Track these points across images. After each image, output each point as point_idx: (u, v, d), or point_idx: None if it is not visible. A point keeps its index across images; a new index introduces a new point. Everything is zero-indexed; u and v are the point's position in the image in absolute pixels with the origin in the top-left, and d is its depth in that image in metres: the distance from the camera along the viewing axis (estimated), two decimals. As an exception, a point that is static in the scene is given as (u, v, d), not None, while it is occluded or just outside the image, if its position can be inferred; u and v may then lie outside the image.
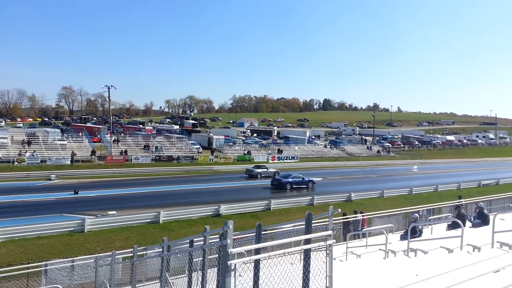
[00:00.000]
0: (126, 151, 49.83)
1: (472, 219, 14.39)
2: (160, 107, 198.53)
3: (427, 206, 21.21)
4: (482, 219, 13.02)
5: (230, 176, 43.52)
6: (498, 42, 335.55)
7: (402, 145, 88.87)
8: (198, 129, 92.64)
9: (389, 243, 13.39)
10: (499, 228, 9.91)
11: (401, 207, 22.47)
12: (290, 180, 36.95)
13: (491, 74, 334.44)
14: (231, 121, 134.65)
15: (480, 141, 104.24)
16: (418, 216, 14.93)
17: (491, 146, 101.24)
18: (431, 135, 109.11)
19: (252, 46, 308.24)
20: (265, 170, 44.92)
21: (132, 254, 10.41)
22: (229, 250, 4.32)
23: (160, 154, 52.22)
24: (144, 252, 11.76)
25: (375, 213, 19.75)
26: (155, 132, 72.00)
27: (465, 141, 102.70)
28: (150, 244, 16.71)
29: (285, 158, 61.38)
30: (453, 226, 12.97)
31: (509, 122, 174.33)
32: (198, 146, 59.49)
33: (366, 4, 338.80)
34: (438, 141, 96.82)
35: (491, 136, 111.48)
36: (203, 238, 6.05)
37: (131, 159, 48.44)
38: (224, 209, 25.47)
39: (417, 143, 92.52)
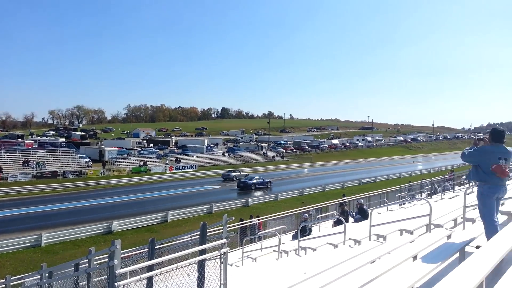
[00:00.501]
0: (1, 169, 43.94)
1: (354, 215, 15.83)
2: (43, 119, 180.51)
3: (316, 206, 22.77)
4: (362, 214, 14.40)
5: (122, 190, 41.21)
6: (372, 59, 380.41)
7: (294, 150, 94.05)
8: (87, 141, 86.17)
9: (283, 243, 13.99)
10: (375, 221, 11.05)
11: (293, 208, 23.76)
12: (254, 181, 42.24)
13: (369, 86, 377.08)
14: (125, 132, 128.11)
15: (360, 144, 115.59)
16: (307, 215, 15.94)
17: (369, 148, 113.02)
18: (319, 139, 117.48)
19: (147, 53, 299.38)
20: (239, 173, 50.25)
21: (4, 286, 9.13)
22: (116, 271, 4.08)
23: (43, 170, 47.19)
24: (21, 281, 10.44)
25: (270, 216, 20.54)
26: (37, 146, 64.74)
27: (347, 144, 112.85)
28: (30, 271, 14.88)
29: (183, 167, 60.37)
30: (338, 222, 14.09)
31: (383, 126, 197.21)
32: (87, 160, 55.23)
33: (260, 16, 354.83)
34: (325, 145, 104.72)
35: (369, 139, 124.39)
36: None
37: (7, 177, 42.94)
38: (116, 225, 23.95)
39: (307, 147, 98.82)
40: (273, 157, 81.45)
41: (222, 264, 6.10)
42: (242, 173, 50.46)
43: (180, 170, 58.57)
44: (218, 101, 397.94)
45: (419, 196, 21.68)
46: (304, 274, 6.15)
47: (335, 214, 18.00)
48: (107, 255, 4.53)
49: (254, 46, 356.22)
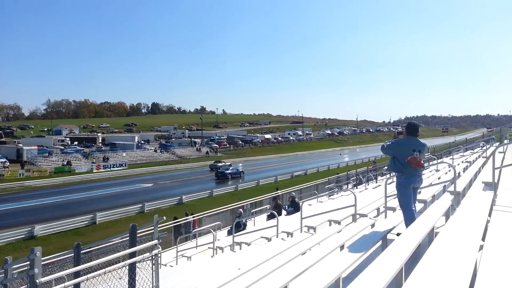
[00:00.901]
0: None
1: (286, 208, 16.25)
2: None
3: (250, 200, 23.02)
4: (294, 207, 14.81)
5: (45, 192, 38.37)
6: (301, 55, 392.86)
7: (228, 145, 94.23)
8: (3, 139, 78.78)
9: (218, 240, 13.96)
10: (306, 213, 11.44)
11: (228, 203, 23.79)
12: (230, 171, 48.47)
13: (298, 81, 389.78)
14: (46, 129, 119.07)
15: (291, 138, 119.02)
16: (242, 211, 16.07)
17: (300, 141, 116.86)
18: (252, 134, 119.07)
19: (69, 43, 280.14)
20: (223, 164, 55.25)
21: None
22: (37, 281, 3.78)
23: None
24: None
25: (205, 213, 20.38)
26: None
27: (280, 138, 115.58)
28: None
29: (112, 166, 57.66)
30: (272, 216, 14.37)
31: (313, 121, 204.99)
32: (3, 160, 50.62)
33: (191, 6, 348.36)
34: (258, 139, 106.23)
35: (300, 133, 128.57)
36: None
37: None
38: (39, 229, 22.30)
39: (240, 142, 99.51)
40: (207, 152, 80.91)
41: (154, 265, 5.94)
42: (226, 164, 55.95)
43: (109, 169, 55.92)
44: (148, 96, 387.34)
45: (346, 187, 22.88)
46: (238, 270, 6.19)
47: (269, 208, 18.36)
48: (28, 263, 4.19)
49: (184, 39, 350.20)
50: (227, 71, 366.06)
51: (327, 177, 32.68)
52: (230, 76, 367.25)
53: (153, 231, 6.11)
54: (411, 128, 5.51)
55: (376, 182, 20.33)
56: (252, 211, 18.29)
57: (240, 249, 10.36)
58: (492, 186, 6.50)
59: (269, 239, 9.70)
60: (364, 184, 20.39)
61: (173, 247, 14.18)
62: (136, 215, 27.79)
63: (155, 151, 75.62)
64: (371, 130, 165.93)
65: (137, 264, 6.14)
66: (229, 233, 13.53)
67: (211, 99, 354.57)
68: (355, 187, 20.29)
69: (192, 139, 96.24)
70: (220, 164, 55.47)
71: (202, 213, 20.56)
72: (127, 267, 5.73)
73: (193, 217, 19.18)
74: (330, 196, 17.42)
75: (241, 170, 50.62)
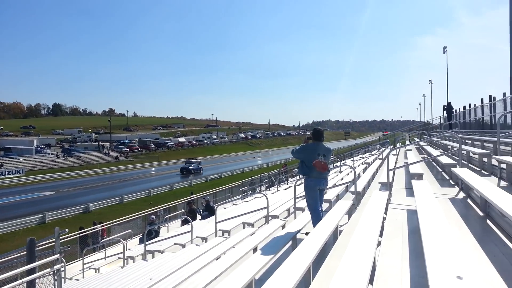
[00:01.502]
0: None
1: (201, 212, 16.14)
2: None
3: (164, 206, 22.40)
4: (209, 211, 14.77)
5: None
6: (215, 59, 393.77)
7: (139, 149, 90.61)
8: None
9: (129, 249, 13.35)
10: (221, 217, 11.47)
11: (141, 210, 22.87)
12: (193, 167, 57.63)
13: (212, 85, 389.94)
14: None
15: (206, 141, 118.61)
16: (154, 217, 15.56)
17: (215, 145, 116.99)
18: (166, 138, 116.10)
19: None
20: (195, 161, 62.70)
21: None
22: None
23: None
24: None
25: (114, 221, 19.32)
26: None
27: (194, 142, 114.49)
28: None
29: (6, 173, 51.74)
30: (186, 221, 14.16)
31: (227, 124, 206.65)
32: None
33: (101, 8, 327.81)
34: (172, 143, 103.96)
35: (214, 136, 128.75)
36: None
37: None
38: None
39: (153, 146, 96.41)
40: (117, 157, 76.87)
41: (56, 281, 5.49)
42: (198, 160, 64.15)
43: (3, 176, 50.10)
44: (49, 96, 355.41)
45: (259, 189, 23.47)
46: (150, 280, 5.99)
47: (183, 213, 18.06)
48: None
49: (91, 36, 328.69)
50: (138, 72, 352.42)
51: (241, 180, 33.15)
52: (141, 77, 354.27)
53: (54, 244, 5.65)
54: (316, 133, 5.88)
55: (287, 184, 21.18)
56: (166, 217, 17.79)
57: (153, 257, 10.03)
58: (387, 186, 7.17)
59: (183, 246, 9.52)
60: (276, 186, 21.10)
61: (79, 259, 13.21)
62: (37, 226, 25.32)
63: (57, 156, 69.66)
64: (282, 133, 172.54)
65: (37, 281, 5.62)
66: (141, 241, 13.02)
67: (120, 100, 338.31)
68: (268, 189, 20.90)
69: (100, 143, 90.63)
70: (193, 160, 62.55)
71: (111, 221, 19.44)
72: (25, 285, 5.23)
73: (101, 226, 18.07)
74: (244, 199, 17.71)
75: (200, 167, 60.05)
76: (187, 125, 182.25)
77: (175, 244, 10.03)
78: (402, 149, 17.50)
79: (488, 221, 4.40)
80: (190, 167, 57.05)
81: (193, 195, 24.38)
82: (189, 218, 11.72)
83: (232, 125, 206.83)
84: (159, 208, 21.97)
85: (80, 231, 16.81)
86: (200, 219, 14.87)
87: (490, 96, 15.51)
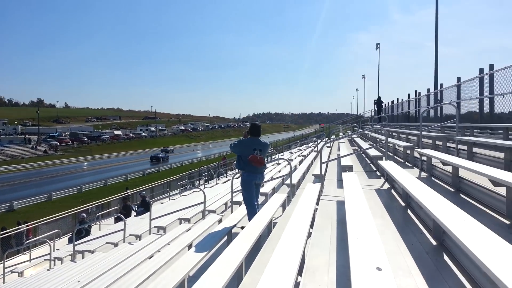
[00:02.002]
0: None
1: (137, 208, 15.61)
2: None
3: (96, 203, 21.36)
4: (145, 207, 14.32)
5: None
6: (153, 49, 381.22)
7: (71, 142, 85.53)
8: None
9: (57, 249, 12.60)
10: (158, 213, 11.17)
11: (71, 207, 21.61)
12: (161, 155, 65.04)
13: (151, 76, 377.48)
14: None
15: (144, 134, 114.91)
16: (85, 215, 14.77)
17: (153, 137, 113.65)
18: (100, 130, 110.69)
19: None
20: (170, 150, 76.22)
21: None
22: None
23: None
24: None
25: (41, 220, 18.08)
26: None
27: (131, 134, 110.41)
28: None
29: None
30: (120, 218, 13.63)
31: (166, 116, 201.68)
32: None
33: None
34: (107, 136, 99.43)
35: (152, 129, 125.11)
36: None
37: None
38: None
39: (86, 139, 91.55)
40: (45, 151, 71.96)
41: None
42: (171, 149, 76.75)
43: None
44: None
45: (198, 183, 23.24)
46: (77, 282, 5.68)
47: (117, 209, 17.36)
48: None
49: (17, 18, 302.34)
50: (70, 60, 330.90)
51: (180, 174, 32.57)
52: (73, 66, 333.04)
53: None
54: (253, 128, 5.91)
55: (226, 177, 21.19)
56: (98, 214, 16.97)
57: (83, 258, 9.54)
58: (320, 178, 7.42)
59: (115, 245, 9.15)
60: (215, 179, 21.02)
61: (-1, 263, 12.20)
62: None
63: (-24, 150, 63.74)
64: (222, 126, 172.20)
65: None
66: (70, 241, 12.32)
67: (50, 90, 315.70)
68: (207, 183, 20.75)
69: (27, 136, 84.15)
70: (168, 148, 74.88)
71: (37, 220, 18.14)
72: None
73: (26, 226, 16.82)
74: (182, 193, 17.42)
75: (168, 155, 67.74)
76: (124, 117, 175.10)
77: (107, 243, 9.61)
78: (336, 142, 18.23)
79: (409, 211, 4.72)
80: (159, 155, 64.56)
81: (128, 191, 23.52)
82: (122, 215, 11.30)
83: (172, 117, 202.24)
84: (91, 205, 20.90)
85: (2, 232, 15.53)
86: (135, 216, 14.38)
87: (416, 91, 16.66)
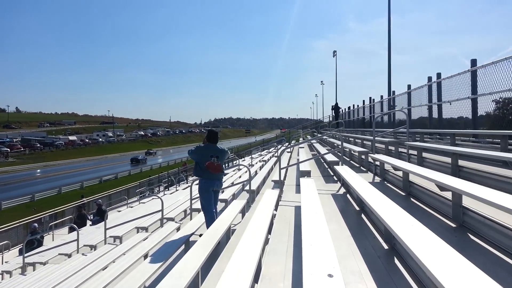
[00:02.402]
0: None
1: (92, 217, 15.05)
2: None
3: (49, 212, 20.41)
4: (101, 216, 13.82)
5: None
6: (114, 54, 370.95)
7: (22, 149, 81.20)
8: None
9: (6, 262, 11.91)
10: (115, 222, 10.83)
11: (23, 217, 20.49)
12: (141, 157, 69.49)
13: (109, 80, 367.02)
14: None
15: (101, 139, 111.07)
16: (37, 225, 14.03)
17: (111, 143, 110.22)
18: (54, 136, 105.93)
19: None
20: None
21: None
22: None
23: None
24: None
25: (-12, 232, 17.00)
26: None
27: (87, 140, 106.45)
28: None
29: None
30: (74, 228, 13.08)
31: (125, 121, 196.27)
32: None
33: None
34: (61, 141, 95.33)
35: (110, 134, 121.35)
36: None
37: None
38: None
39: (39, 145, 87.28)
40: (-7, 158, 67.88)
41: None
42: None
43: None
44: None
45: (157, 190, 22.77)
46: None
47: (72, 219, 16.65)
48: None
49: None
50: (21, 63, 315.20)
51: (138, 181, 31.75)
52: (24, 68, 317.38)
53: None
54: (210, 135, 5.87)
55: (187, 183, 20.90)
56: (50, 224, 16.19)
57: (34, 270, 9.06)
58: (279, 183, 7.50)
59: (69, 255, 8.77)
60: (175, 186, 20.67)
61: None
62: None
63: None
64: (183, 131, 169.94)
65: None
66: (21, 252, 11.67)
67: (0, 94, 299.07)
68: (167, 189, 20.37)
69: (-27, 142, 79.12)
70: (152, 151, 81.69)
71: (-16, 232, 17.05)
72: None
73: (-30, 238, 15.74)
74: (141, 200, 16.99)
75: (145, 157, 71.38)
76: (80, 122, 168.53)
77: (59, 254, 9.19)
78: (296, 147, 18.50)
79: (363, 215, 4.86)
80: (138, 158, 68.89)
81: (84, 199, 22.62)
82: (77, 224, 10.87)
83: (131, 122, 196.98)
84: (44, 214, 19.92)
85: None
86: (90, 225, 13.86)
87: (370, 98, 17.26)
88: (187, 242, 5.54)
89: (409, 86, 10.91)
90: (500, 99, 6.68)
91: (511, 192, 3.86)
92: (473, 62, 7.10)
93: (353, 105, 21.26)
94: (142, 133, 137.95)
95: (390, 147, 8.66)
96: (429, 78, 9.12)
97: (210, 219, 5.66)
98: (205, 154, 5.64)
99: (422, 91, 9.78)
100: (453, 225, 3.77)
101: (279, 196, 6.73)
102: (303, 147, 16.36)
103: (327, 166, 10.39)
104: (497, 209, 2.76)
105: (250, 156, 21.13)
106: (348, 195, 6.22)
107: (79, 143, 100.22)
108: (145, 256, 5.59)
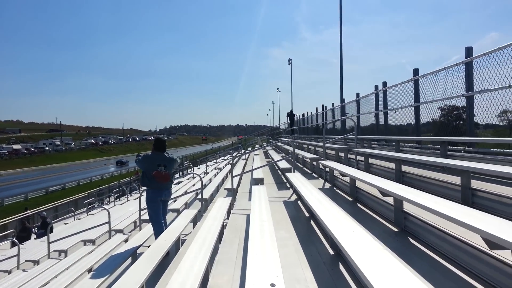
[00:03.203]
0: None
1: (37, 230, 14.21)
2: None
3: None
4: (45, 229, 13.07)
5: None
6: (60, 57, 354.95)
7: (-41, 159, 75.55)
8: None
9: None
10: (60, 234, 10.28)
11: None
12: (124, 160, 78.57)
13: (57, 86, 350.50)
14: None
15: (47, 148, 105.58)
16: (-28, 241, 13.01)
17: (59, 152, 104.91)
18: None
19: None
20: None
21: None
22: None
23: None
24: None
25: None
26: None
27: (32, 149, 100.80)
28: None
29: None
30: (19, 240, 12.26)
31: (74, 129, 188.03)
32: None
33: None
34: (4, 151, 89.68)
35: (58, 142, 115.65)
36: None
37: None
38: None
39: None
40: None
41: None
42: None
43: None
44: None
45: (108, 200, 21.93)
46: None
47: (14, 233, 15.60)
48: None
49: None
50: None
51: (87, 191, 30.39)
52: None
53: None
54: (158, 143, 5.73)
55: (140, 193, 20.29)
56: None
57: (-33, 290, 8.36)
58: (232, 191, 7.45)
59: (8, 272, 8.19)
60: (126, 196, 20.00)
61: None
62: None
63: None
64: (137, 138, 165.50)
65: None
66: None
67: None
68: (118, 199, 19.66)
69: None
70: (124, 160, 79.48)
71: None
72: None
73: None
74: (89, 212, 16.26)
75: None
76: (25, 130, 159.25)
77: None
78: (252, 154, 18.55)
79: (312, 222, 4.92)
80: (123, 160, 78.52)
81: (28, 211, 21.32)
82: (21, 238, 10.19)
83: (81, 130, 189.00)
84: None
85: None
86: (35, 239, 13.06)
87: (323, 105, 17.71)
88: (134, 255, 5.35)
89: (357, 94, 11.31)
90: (445, 106, 7.04)
91: (449, 197, 4.08)
92: (416, 72, 7.48)
93: (307, 112, 21.73)
94: (92, 141, 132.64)
95: (340, 154, 8.89)
96: (376, 87, 9.50)
97: (158, 230, 5.50)
98: (153, 163, 5.49)
99: (369, 99, 10.17)
100: (395, 230, 3.90)
101: (232, 204, 6.68)
102: (259, 154, 16.44)
103: (280, 173, 10.49)
104: (434, 214, 2.89)
105: (205, 164, 20.91)
106: (299, 202, 6.29)
107: (24, 152, 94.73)
108: (90, 270, 5.32)
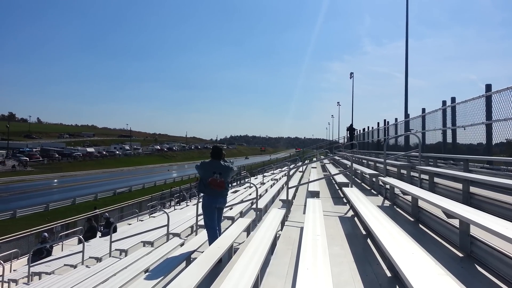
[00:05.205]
0: None
1: (102, 229, 15.10)
2: None
3: (60, 222, 20.58)
4: (109, 228, 13.84)
5: None
6: (133, 68, 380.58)
7: (41, 158, 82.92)
8: None
9: (14, 270, 11.98)
10: (121, 235, 10.82)
11: (36, 226, 20.71)
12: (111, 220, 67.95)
13: (128, 94, 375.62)
14: None
15: (118, 152, 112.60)
16: (47, 235, 14.13)
17: (127, 156, 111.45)
18: (72, 147, 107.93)
19: None
20: None
21: None
22: None
23: None
24: None
25: (2, 238, 17.20)
26: None
27: (104, 152, 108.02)
28: None
29: None
30: (86, 238, 13.11)
31: (142, 135, 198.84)
32: None
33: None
34: (78, 153, 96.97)
35: (127, 147, 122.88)
36: None
37: None
38: None
39: (57, 155, 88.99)
40: (14, 166, 69.40)
41: None
42: None
43: None
44: None
45: (169, 204, 22.78)
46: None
47: (83, 230, 16.75)
48: None
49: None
50: (43, 74, 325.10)
51: (151, 194, 31.85)
52: (47, 80, 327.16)
53: None
54: (214, 151, 5.85)
55: (198, 199, 20.83)
56: (60, 234, 16.29)
57: (40, 279, 9.08)
58: (286, 203, 7.38)
59: (74, 266, 8.76)
60: (186, 201, 20.64)
61: None
62: None
63: None
64: (199, 146, 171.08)
65: None
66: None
67: (23, 105, 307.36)
68: (178, 204, 20.35)
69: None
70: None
71: (-3, 238, 17.25)
72: None
73: (-18, 245, 15.95)
74: (151, 214, 16.99)
75: None
76: (98, 135, 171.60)
77: (65, 265, 9.20)
78: (310, 167, 18.32)
79: (369, 240, 4.70)
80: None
81: (97, 210, 22.78)
82: (88, 236, 10.89)
83: (148, 136, 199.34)
84: (56, 224, 20.09)
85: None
86: (100, 237, 13.89)
87: (385, 120, 17.05)
88: (188, 259, 5.45)
89: (423, 110, 10.75)
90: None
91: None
92: (488, 87, 6.95)
93: (368, 127, 21.07)
94: (158, 147, 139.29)
95: (402, 171, 8.48)
96: (444, 102, 8.96)
97: (212, 237, 5.57)
98: (209, 170, 5.61)
99: (436, 114, 9.61)
100: (460, 255, 3.61)
101: (286, 216, 6.61)
102: (316, 167, 16.21)
103: (337, 188, 10.23)
104: (505, 240, 2.62)
105: (262, 174, 21.01)
106: (356, 219, 6.07)
107: (96, 155, 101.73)
108: (146, 271, 5.52)
